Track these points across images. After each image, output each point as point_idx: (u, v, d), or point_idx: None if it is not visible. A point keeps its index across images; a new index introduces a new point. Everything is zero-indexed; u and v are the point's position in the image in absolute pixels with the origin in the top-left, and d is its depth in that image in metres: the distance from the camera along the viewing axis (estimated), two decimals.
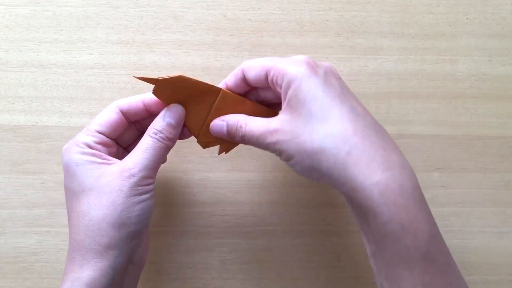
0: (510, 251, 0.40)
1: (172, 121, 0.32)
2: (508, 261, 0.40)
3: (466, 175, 0.40)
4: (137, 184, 0.30)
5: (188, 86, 0.31)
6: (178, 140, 0.39)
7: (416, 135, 0.40)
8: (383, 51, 0.40)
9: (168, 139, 0.32)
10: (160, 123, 0.32)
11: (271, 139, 0.30)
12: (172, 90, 0.31)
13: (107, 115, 0.32)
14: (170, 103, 0.32)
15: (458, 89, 0.40)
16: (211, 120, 0.33)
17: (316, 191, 0.39)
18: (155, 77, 0.30)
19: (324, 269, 0.39)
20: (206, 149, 0.35)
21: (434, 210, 0.39)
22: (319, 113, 0.28)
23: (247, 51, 0.39)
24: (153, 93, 0.31)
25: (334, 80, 0.30)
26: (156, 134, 0.31)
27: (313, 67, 0.30)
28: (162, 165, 0.35)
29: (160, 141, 0.31)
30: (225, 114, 0.33)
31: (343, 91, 0.30)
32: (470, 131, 0.40)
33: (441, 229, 0.39)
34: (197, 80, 0.32)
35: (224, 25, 0.39)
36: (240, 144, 0.38)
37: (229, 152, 0.36)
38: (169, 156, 0.38)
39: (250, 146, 0.39)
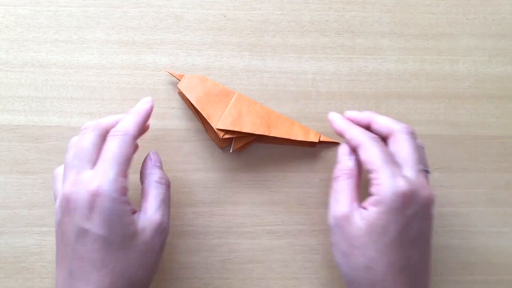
0: (510, 251, 0.40)
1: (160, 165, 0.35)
2: (508, 261, 0.40)
3: (466, 175, 0.40)
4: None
5: (208, 85, 0.37)
6: (178, 141, 0.39)
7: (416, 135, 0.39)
8: (383, 51, 0.40)
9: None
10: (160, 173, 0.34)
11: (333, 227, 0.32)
12: (194, 86, 0.37)
13: (128, 151, 0.31)
14: (191, 98, 0.37)
15: (458, 89, 0.40)
16: (230, 113, 0.37)
17: (317, 191, 0.39)
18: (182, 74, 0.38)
19: (324, 269, 0.39)
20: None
21: (434, 210, 0.40)
22: (375, 253, 0.29)
23: (247, 51, 0.39)
24: (178, 85, 0.37)
25: (415, 225, 0.30)
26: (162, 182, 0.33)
27: (407, 203, 0.29)
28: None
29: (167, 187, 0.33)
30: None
31: (417, 237, 0.30)
32: (470, 131, 0.40)
33: (441, 229, 0.39)
34: (216, 82, 0.38)
35: (224, 25, 0.39)
36: (251, 143, 0.38)
37: (242, 150, 0.38)
38: (169, 156, 0.39)
39: (252, 146, 0.39)
